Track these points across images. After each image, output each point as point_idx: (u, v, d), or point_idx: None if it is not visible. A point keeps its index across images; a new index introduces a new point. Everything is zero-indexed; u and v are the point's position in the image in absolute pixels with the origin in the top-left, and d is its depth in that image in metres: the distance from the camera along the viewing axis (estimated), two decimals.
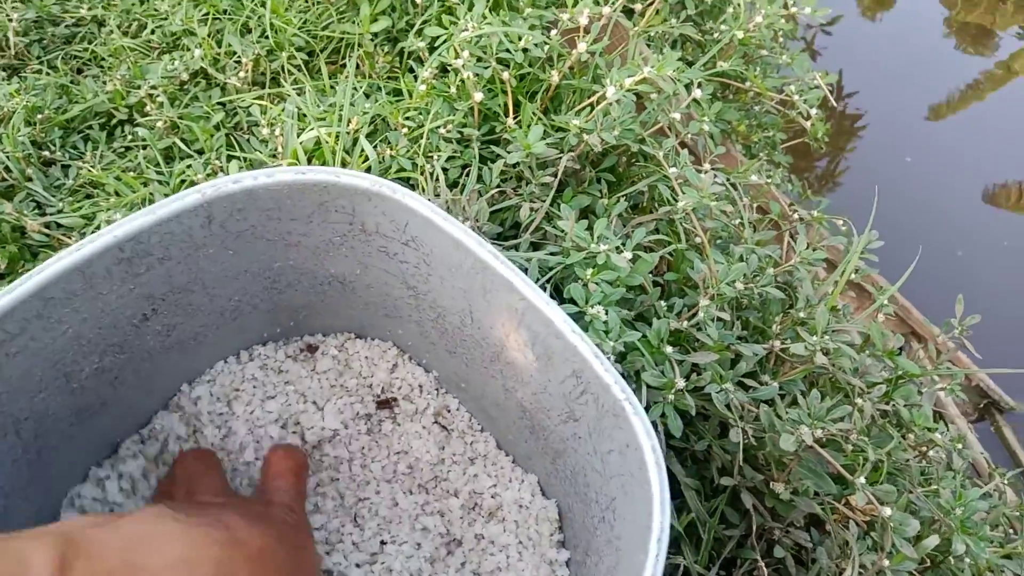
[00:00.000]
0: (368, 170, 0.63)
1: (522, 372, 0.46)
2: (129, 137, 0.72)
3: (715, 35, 0.84)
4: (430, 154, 0.64)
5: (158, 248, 0.41)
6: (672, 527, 0.52)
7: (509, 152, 0.62)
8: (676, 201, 0.61)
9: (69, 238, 0.62)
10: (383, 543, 0.49)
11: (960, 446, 0.62)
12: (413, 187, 0.64)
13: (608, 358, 0.41)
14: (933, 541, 0.51)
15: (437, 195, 0.61)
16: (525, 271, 0.57)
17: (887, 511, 0.49)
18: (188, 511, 0.35)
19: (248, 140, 0.70)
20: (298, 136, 0.64)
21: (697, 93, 0.65)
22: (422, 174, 0.63)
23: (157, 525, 0.33)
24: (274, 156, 0.66)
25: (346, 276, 0.51)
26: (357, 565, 0.48)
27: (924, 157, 1.85)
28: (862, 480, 0.50)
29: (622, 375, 0.40)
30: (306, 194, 0.43)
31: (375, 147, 0.63)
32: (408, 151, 0.64)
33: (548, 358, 0.42)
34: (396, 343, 0.57)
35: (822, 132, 1.11)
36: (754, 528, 0.54)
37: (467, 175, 0.63)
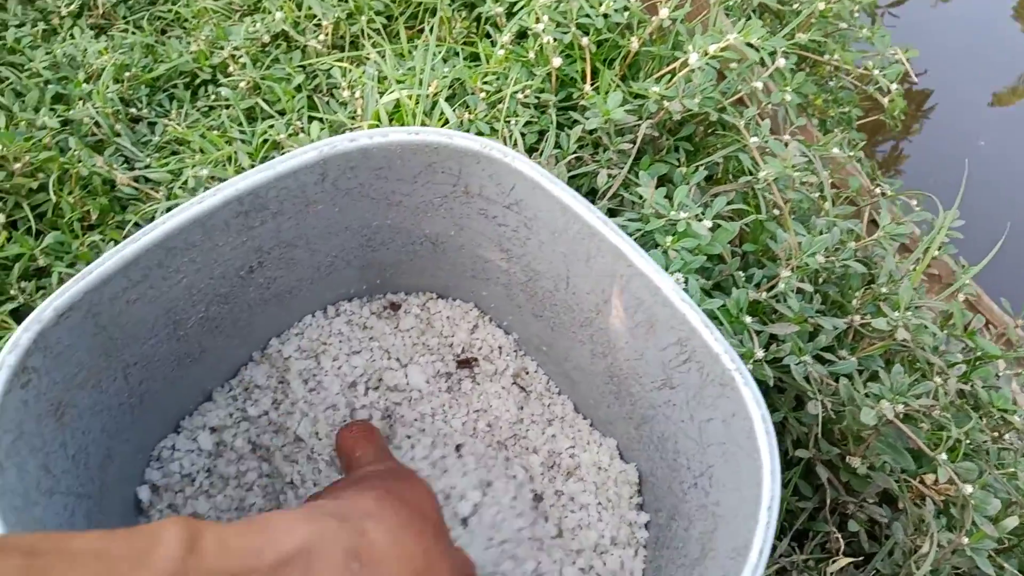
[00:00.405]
0: None
1: (616, 338, 0.46)
2: (213, 96, 0.74)
3: (795, 6, 0.82)
4: (508, 119, 0.64)
5: (274, 202, 0.43)
6: None
7: (587, 118, 0.62)
8: (757, 171, 0.60)
9: (156, 192, 0.64)
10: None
11: None
12: None
13: None
14: (1013, 522, 0.50)
15: None
16: None
17: (968, 488, 0.48)
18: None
19: (328, 102, 0.71)
20: (379, 98, 0.64)
21: (780, 62, 0.64)
22: (500, 139, 0.63)
23: (277, 516, 0.33)
24: (353, 118, 0.67)
25: (439, 236, 0.52)
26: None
27: (996, 142, 1.78)
28: (943, 457, 0.49)
29: None
30: (417, 154, 0.44)
31: (454, 110, 0.63)
32: (486, 115, 0.64)
33: (650, 325, 0.42)
34: (478, 304, 0.57)
35: (899, 109, 1.08)
36: (828, 501, 0.53)
37: (544, 141, 0.63)
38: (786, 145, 0.60)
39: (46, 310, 0.36)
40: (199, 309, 0.45)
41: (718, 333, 0.38)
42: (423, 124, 0.63)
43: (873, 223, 0.66)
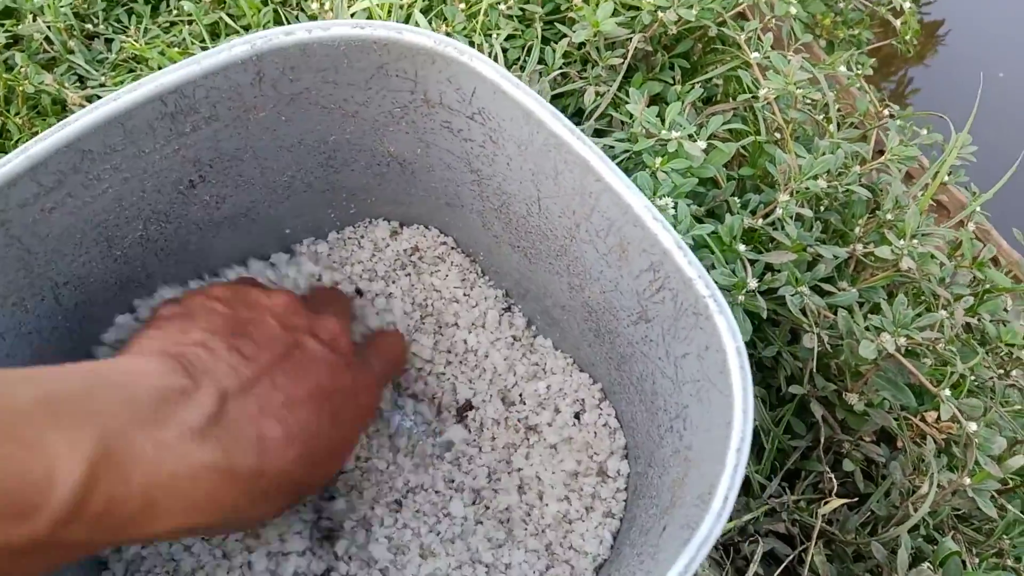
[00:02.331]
0: None
1: (591, 267, 0.42)
2: (174, 12, 0.69)
3: None
4: (489, 32, 0.59)
5: (204, 105, 0.38)
6: None
7: (575, 31, 0.57)
8: (757, 89, 0.55)
9: None
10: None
11: None
12: None
13: None
14: (1018, 461, 0.47)
15: None
16: None
17: (972, 426, 0.45)
18: (240, 394, 0.33)
19: (297, 16, 0.66)
20: (349, 9, 0.59)
21: None
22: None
23: (193, 444, 0.30)
24: None
25: (406, 156, 0.47)
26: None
27: (1017, 73, 1.70)
28: (947, 393, 0.46)
29: None
30: (364, 53, 0.39)
31: (430, 22, 0.59)
32: (465, 28, 0.59)
33: (623, 250, 0.38)
34: (458, 241, 0.53)
35: (912, 32, 1.02)
36: (822, 440, 0.50)
37: (528, 56, 0.59)
38: (789, 60, 0.56)
39: None
40: (135, 227, 0.41)
41: (692, 256, 0.34)
42: None
43: (879, 152, 0.62)
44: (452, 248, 0.53)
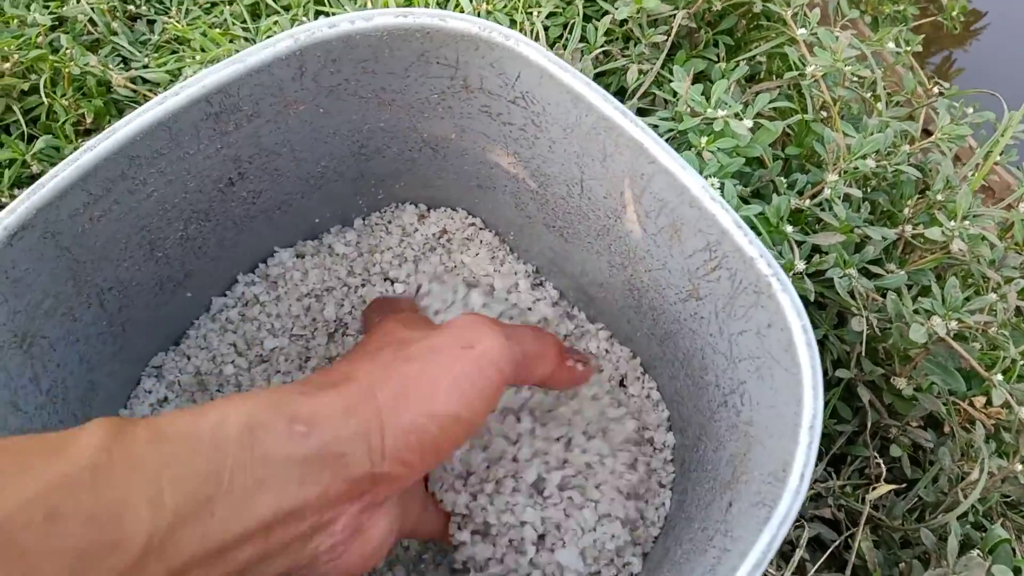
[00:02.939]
0: None
1: (636, 246, 0.42)
2: None
3: None
4: (530, 9, 0.58)
5: (247, 102, 0.38)
6: None
7: (617, 7, 0.56)
8: (804, 66, 0.54)
9: (154, 93, 0.60)
10: None
11: None
12: None
13: None
14: None
15: None
16: None
17: None
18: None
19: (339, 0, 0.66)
20: None
21: None
22: (521, 31, 0.57)
23: (218, 400, 0.30)
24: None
25: (439, 141, 0.47)
26: None
27: None
28: (999, 377, 0.45)
29: None
30: (407, 41, 0.39)
31: (471, 1, 0.58)
32: (506, 6, 0.59)
33: (675, 230, 0.38)
34: (485, 220, 0.53)
35: (959, 8, 0.99)
36: (868, 425, 0.50)
37: (570, 34, 0.58)
38: (837, 37, 0.54)
39: None
40: (177, 227, 0.41)
41: (752, 235, 0.34)
42: None
43: (926, 131, 0.60)
44: (480, 228, 0.53)
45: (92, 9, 0.64)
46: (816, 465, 0.49)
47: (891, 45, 0.62)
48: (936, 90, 0.63)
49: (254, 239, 0.48)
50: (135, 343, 0.44)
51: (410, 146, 0.48)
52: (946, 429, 0.51)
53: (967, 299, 0.46)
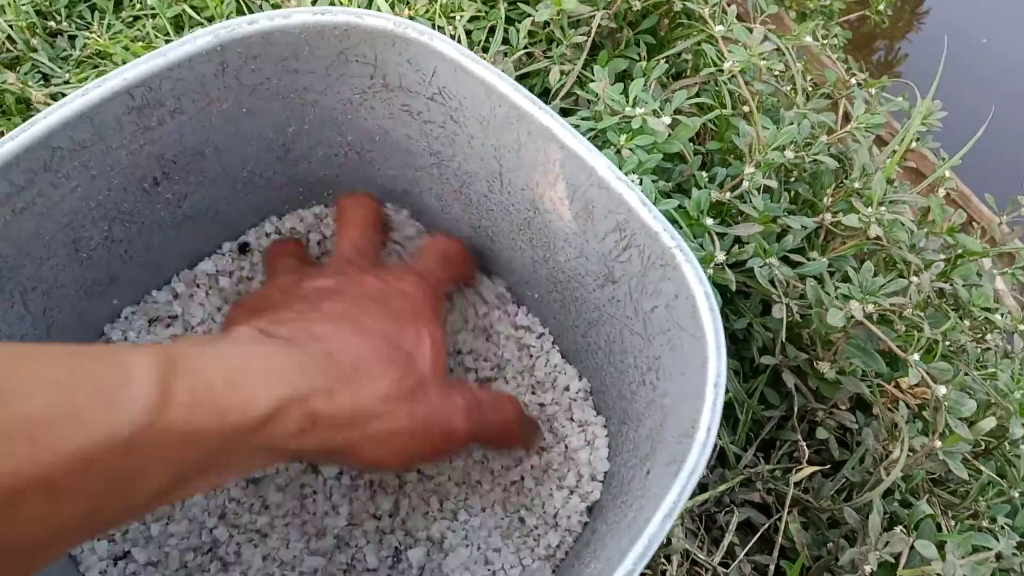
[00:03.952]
0: None
1: (555, 236, 0.42)
2: (137, 6, 0.68)
3: None
4: (452, 14, 0.59)
5: (170, 98, 0.38)
6: None
7: (538, 10, 0.57)
8: (722, 62, 0.55)
9: None
10: None
11: (1022, 327, 0.57)
12: None
13: None
14: (989, 423, 0.48)
15: None
16: None
17: (942, 390, 0.45)
18: (275, 327, 0.34)
19: (260, 6, 0.66)
20: None
21: None
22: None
23: (252, 344, 0.33)
24: None
25: (364, 144, 0.47)
26: None
27: (1001, 39, 1.69)
28: (915, 357, 0.46)
29: None
30: (325, 39, 0.39)
31: (392, 7, 0.58)
32: (427, 11, 0.59)
33: (588, 214, 0.39)
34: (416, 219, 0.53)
35: (884, 3, 1.02)
36: (795, 409, 0.51)
37: (492, 37, 0.58)
38: (752, 32, 0.56)
39: None
40: (102, 227, 0.41)
41: (656, 211, 0.35)
42: None
43: (848, 119, 0.62)
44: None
45: (10, 26, 0.63)
46: (745, 450, 0.50)
47: (809, 39, 0.63)
48: (854, 81, 0.65)
49: (182, 245, 0.48)
50: None
51: (335, 150, 0.48)
52: (874, 411, 0.52)
53: (888, 282, 0.48)
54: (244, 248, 0.50)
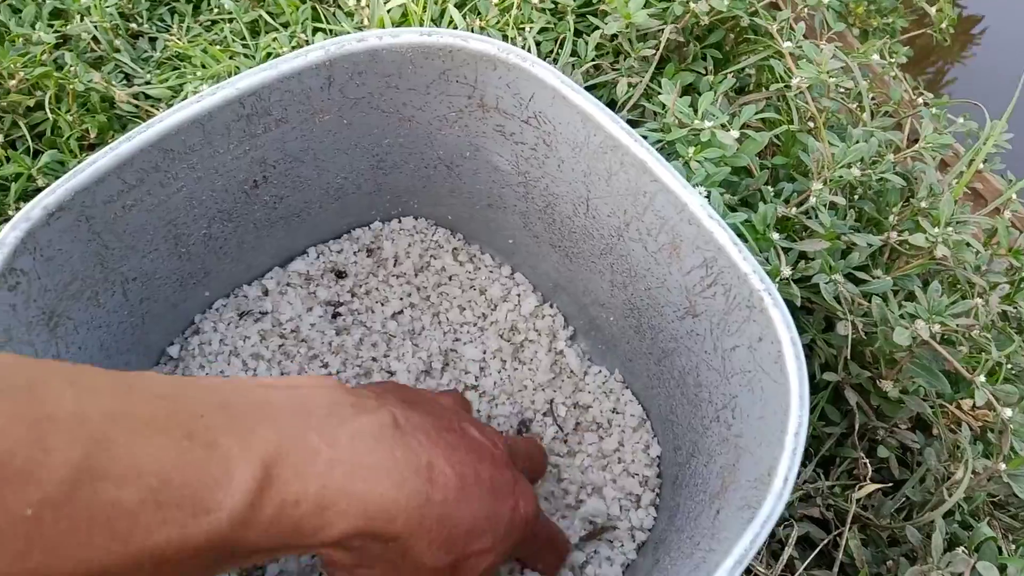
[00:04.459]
0: None
1: (637, 265, 0.43)
2: (215, 10, 0.70)
3: None
4: (522, 25, 0.60)
5: (277, 107, 0.40)
6: None
7: (607, 23, 0.58)
8: (790, 78, 0.56)
9: (157, 109, 0.62)
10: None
11: None
12: None
13: None
14: None
15: None
16: None
17: (1008, 412, 0.45)
18: (411, 418, 0.33)
19: (334, 13, 0.67)
20: (385, 5, 0.61)
21: None
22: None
23: (369, 442, 0.31)
24: (359, 28, 0.64)
25: (454, 159, 0.48)
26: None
27: None
28: (982, 379, 0.46)
29: None
30: (429, 59, 0.41)
31: (464, 17, 0.60)
32: (498, 22, 0.60)
33: (675, 248, 0.39)
34: (491, 244, 0.54)
35: (947, 21, 1.01)
36: (856, 427, 0.51)
37: (561, 48, 0.59)
38: (821, 49, 0.56)
39: (35, 208, 0.34)
40: (201, 225, 0.43)
41: (747, 251, 0.36)
42: None
43: (914, 141, 0.62)
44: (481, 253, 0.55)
45: (95, 27, 0.66)
46: (805, 466, 0.50)
47: (876, 57, 0.63)
48: (921, 100, 0.64)
49: (271, 244, 0.50)
50: (152, 336, 0.46)
51: (426, 163, 0.49)
52: (934, 431, 0.52)
53: (953, 303, 0.48)
54: (341, 275, 0.52)
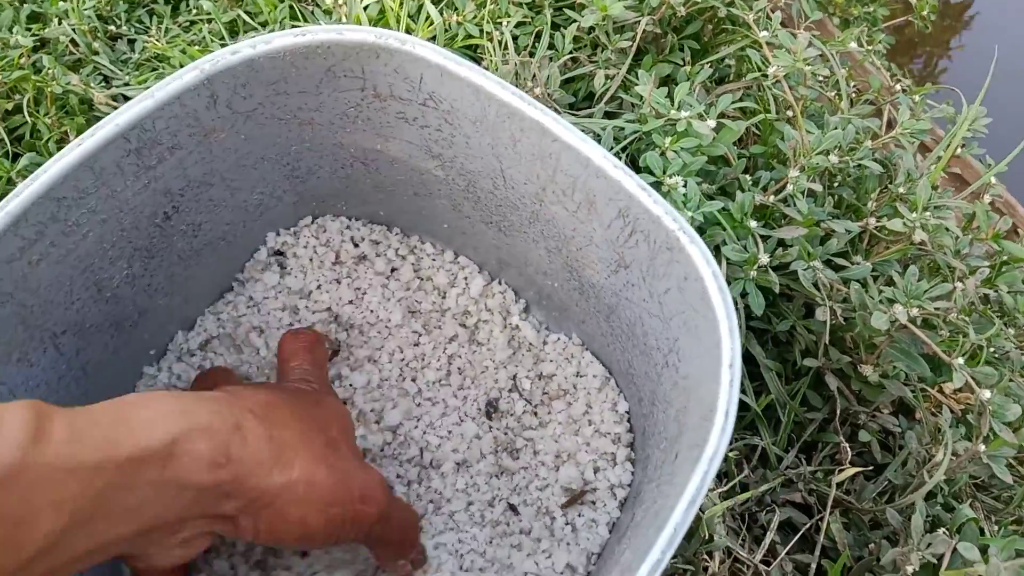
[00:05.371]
0: (433, 39, 0.60)
1: (563, 227, 0.43)
2: (194, 11, 0.70)
3: None
4: (499, 20, 0.60)
5: (165, 135, 0.39)
6: (749, 406, 0.50)
7: (583, 16, 0.58)
8: (767, 67, 0.56)
9: None
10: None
11: None
12: (480, 57, 0.61)
13: None
14: None
15: (505, 62, 0.58)
16: (599, 139, 0.53)
17: (986, 394, 0.46)
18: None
19: (312, 11, 0.67)
20: (362, 3, 0.61)
21: None
22: (490, 41, 0.59)
23: (147, 400, 0.31)
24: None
25: (367, 154, 0.48)
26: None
27: None
28: (960, 361, 0.46)
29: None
30: (310, 59, 0.40)
31: (441, 13, 0.60)
32: (475, 17, 0.60)
33: (590, 204, 0.40)
34: (429, 230, 0.54)
35: (928, 8, 1.01)
36: (838, 412, 0.51)
37: (538, 42, 0.60)
38: (797, 38, 0.56)
39: None
40: (121, 267, 0.42)
41: (656, 195, 0.36)
42: (408, 28, 0.60)
43: (892, 125, 0.62)
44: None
45: (73, 30, 0.66)
46: (787, 452, 0.51)
47: (853, 45, 0.64)
48: (899, 87, 0.65)
49: (205, 272, 0.49)
50: (100, 387, 0.44)
51: (341, 163, 0.49)
52: (916, 415, 0.52)
53: (932, 287, 0.48)
54: (281, 255, 0.52)
